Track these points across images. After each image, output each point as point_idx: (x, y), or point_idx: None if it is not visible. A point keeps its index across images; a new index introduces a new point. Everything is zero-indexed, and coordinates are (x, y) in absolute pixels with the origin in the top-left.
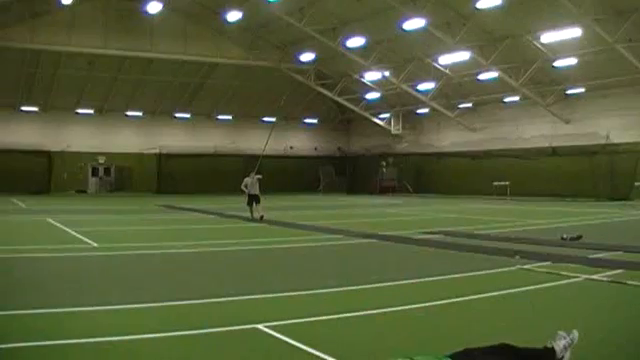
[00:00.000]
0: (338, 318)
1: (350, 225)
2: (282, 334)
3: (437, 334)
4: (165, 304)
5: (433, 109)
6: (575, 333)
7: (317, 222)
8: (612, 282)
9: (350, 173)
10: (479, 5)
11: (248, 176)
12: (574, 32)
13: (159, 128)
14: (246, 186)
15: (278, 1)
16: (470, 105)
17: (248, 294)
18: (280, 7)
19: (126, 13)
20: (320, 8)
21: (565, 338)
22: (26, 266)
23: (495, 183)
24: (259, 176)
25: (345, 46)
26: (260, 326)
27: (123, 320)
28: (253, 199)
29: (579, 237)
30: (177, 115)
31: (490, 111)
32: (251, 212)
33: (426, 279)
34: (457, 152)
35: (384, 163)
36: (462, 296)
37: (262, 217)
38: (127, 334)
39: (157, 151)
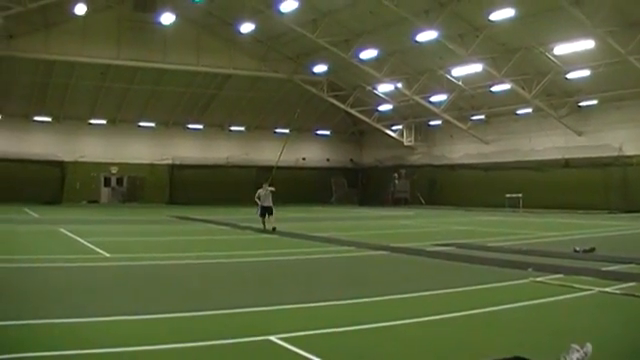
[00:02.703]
0: (350, 330)
1: (362, 237)
2: (294, 346)
3: (451, 347)
4: (177, 315)
5: (446, 121)
6: (589, 346)
7: (329, 234)
8: (625, 295)
9: (362, 184)
10: (492, 17)
11: (261, 188)
12: (587, 44)
13: (172, 139)
14: (259, 198)
15: (291, 13)
16: (483, 117)
17: (260, 305)
18: (293, 19)
19: (139, 24)
20: (333, 20)
21: (578, 351)
22: (39, 276)
23: (508, 195)
24: (272, 188)
25: (358, 58)
26: (272, 337)
27: (135, 331)
28: (266, 211)
29: (592, 249)
30: (190, 126)
31: (503, 123)
32: (263, 224)
33: (439, 291)
34: (470, 164)
35: (396, 175)
36: (475, 309)
37: (274, 229)
38: (138, 345)
39: (169, 162)
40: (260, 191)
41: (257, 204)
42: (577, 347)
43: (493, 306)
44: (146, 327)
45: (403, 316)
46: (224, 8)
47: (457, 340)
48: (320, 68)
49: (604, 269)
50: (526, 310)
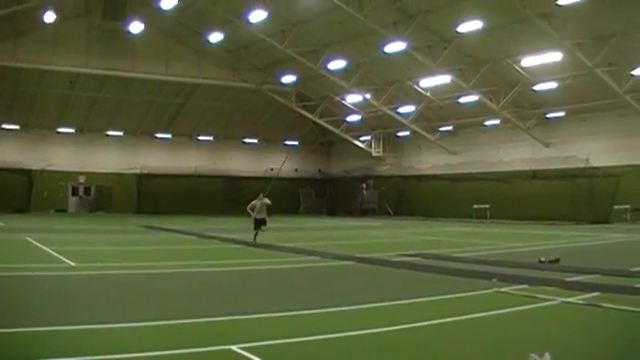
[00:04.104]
0: (312, 340)
1: (329, 247)
2: (255, 355)
3: (412, 357)
4: (141, 324)
5: (414, 132)
6: (547, 356)
7: (296, 244)
8: (588, 305)
9: (330, 195)
10: (460, 29)
11: (256, 198)
12: (554, 56)
13: (140, 148)
14: (252, 209)
15: (260, 23)
16: (451, 128)
17: (224, 315)
18: (262, 29)
19: (108, 33)
20: (302, 30)
21: None
22: (1, 285)
23: (475, 206)
24: (268, 201)
25: (326, 68)
26: (234, 347)
27: (98, 340)
28: (260, 223)
29: (557, 260)
30: (158, 135)
31: (471, 134)
32: (255, 236)
33: (402, 302)
34: (438, 175)
35: (364, 185)
36: (437, 319)
37: (255, 238)
38: (102, 354)
39: (137, 171)
40: (255, 202)
41: (250, 215)
42: (536, 356)
43: (456, 316)
44: (109, 336)
45: (366, 326)
46: (193, 18)
47: (420, 350)
48: (289, 78)
49: (568, 279)
50: (489, 320)
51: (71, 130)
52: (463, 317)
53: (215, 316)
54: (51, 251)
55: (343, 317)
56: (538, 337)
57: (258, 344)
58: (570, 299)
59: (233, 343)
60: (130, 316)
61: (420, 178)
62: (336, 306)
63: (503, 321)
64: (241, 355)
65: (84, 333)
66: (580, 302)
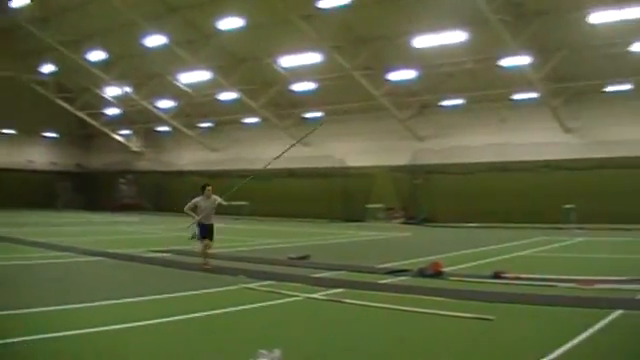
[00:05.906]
0: (45, 338)
1: (82, 243)
2: None
3: (143, 355)
4: None
5: (175, 127)
6: (277, 352)
7: (49, 239)
8: (329, 300)
9: (89, 189)
10: (221, 26)
11: (201, 196)
12: (314, 57)
13: None
14: (194, 210)
15: (21, 9)
16: (211, 125)
17: None
18: (22, 15)
19: None
20: (63, 19)
21: (266, 356)
22: None
23: (233, 203)
24: (221, 200)
25: (87, 59)
26: None
27: None
28: (208, 231)
29: (306, 257)
30: None
31: (231, 131)
32: (204, 253)
33: (145, 298)
34: (197, 171)
35: (124, 180)
36: (175, 315)
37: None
38: None
39: None
40: (198, 200)
41: (192, 217)
42: (265, 352)
43: (197, 312)
44: None
45: (105, 323)
46: None
47: (153, 347)
48: (48, 68)
49: (315, 276)
50: (227, 317)
51: None
52: (204, 313)
53: None
54: None
55: (87, 314)
56: (274, 333)
57: None
58: (314, 295)
59: None
60: None
61: (180, 174)
62: (82, 302)
63: (242, 317)
64: None
65: None
66: (323, 298)
